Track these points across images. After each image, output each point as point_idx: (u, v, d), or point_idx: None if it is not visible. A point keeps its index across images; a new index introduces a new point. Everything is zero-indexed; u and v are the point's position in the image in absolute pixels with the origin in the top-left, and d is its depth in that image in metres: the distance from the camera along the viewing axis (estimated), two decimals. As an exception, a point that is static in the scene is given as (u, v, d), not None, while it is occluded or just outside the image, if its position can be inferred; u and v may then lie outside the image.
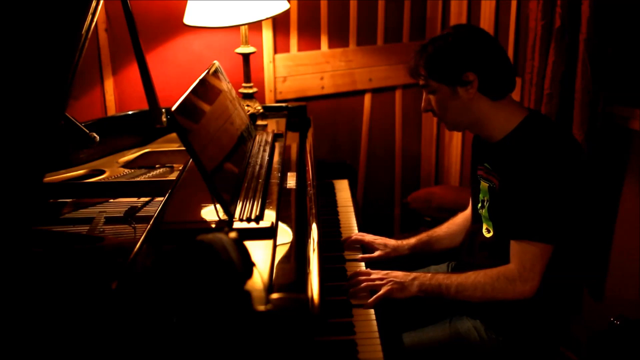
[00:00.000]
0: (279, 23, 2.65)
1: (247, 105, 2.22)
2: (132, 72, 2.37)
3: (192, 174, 1.57)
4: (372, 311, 1.52)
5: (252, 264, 1.15)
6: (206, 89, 1.58)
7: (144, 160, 2.06)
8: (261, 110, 2.26)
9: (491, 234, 1.67)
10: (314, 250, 1.39)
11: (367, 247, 1.86)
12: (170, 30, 2.44)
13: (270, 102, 2.69)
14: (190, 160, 1.63)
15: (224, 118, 1.59)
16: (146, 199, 1.71)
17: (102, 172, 1.92)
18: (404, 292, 1.58)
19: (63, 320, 1.07)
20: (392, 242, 1.88)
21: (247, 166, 1.63)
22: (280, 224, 1.41)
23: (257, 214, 1.37)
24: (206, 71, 1.65)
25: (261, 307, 1.08)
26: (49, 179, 1.83)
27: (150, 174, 1.91)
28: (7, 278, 1.07)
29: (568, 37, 2.11)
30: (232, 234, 1.13)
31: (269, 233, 1.33)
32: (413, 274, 1.61)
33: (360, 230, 1.94)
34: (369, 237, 1.87)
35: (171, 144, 2.13)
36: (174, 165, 2.01)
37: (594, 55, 2.04)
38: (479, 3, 2.73)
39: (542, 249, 1.52)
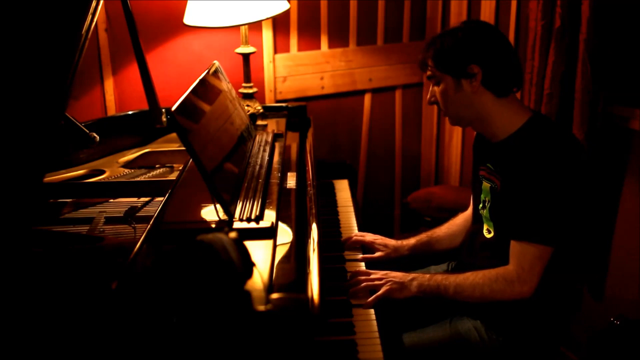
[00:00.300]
0: (279, 23, 2.65)
1: (247, 105, 2.22)
2: (132, 72, 2.37)
3: (192, 174, 1.57)
4: (372, 311, 1.52)
5: (252, 264, 1.15)
6: (206, 89, 1.58)
7: (144, 160, 2.06)
8: (261, 110, 2.26)
9: (492, 234, 1.67)
10: (314, 250, 1.39)
11: (367, 248, 1.86)
12: (170, 30, 2.44)
13: (270, 102, 2.69)
14: (190, 160, 1.63)
15: (224, 118, 1.59)
16: (146, 199, 1.71)
17: (102, 172, 1.92)
18: (403, 293, 1.58)
19: (63, 320, 1.07)
20: (392, 242, 1.89)
21: (247, 166, 1.62)
22: (280, 224, 1.41)
23: (257, 214, 1.37)
24: (206, 71, 1.65)
25: (261, 307, 1.08)
26: (49, 179, 1.82)
27: (150, 174, 1.91)
28: (7, 278, 1.07)
29: (568, 37, 2.11)
30: (232, 234, 1.13)
31: (269, 233, 1.33)
32: (412, 275, 1.62)
33: (360, 230, 1.94)
34: (369, 237, 1.88)
35: (171, 144, 2.13)
36: (174, 165, 2.01)
37: (594, 55, 2.05)
38: (479, 3, 2.73)
39: (542, 250, 1.52)
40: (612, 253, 2.25)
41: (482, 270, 1.58)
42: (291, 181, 1.69)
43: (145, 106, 1.89)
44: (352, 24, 2.82)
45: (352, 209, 2.09)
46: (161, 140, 2.18)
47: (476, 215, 1.74)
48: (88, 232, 1.54)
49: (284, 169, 1.75)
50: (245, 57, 2.27)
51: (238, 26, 2.17)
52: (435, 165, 3.20)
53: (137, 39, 1.75)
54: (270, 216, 1.39)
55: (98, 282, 1.21)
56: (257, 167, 1.64)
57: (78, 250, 1.44)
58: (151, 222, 1.37)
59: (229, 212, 1.35)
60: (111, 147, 2.07)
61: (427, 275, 1.61)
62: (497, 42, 1.59)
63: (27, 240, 1.28)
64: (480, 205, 1.70)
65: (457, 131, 3.01)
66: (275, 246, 1.30)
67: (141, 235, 1.31)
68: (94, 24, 1.34)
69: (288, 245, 1.35)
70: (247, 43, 2.26)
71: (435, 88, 1.64)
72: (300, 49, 2.74)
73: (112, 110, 2.41)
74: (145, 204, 1.69)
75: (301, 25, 2.71)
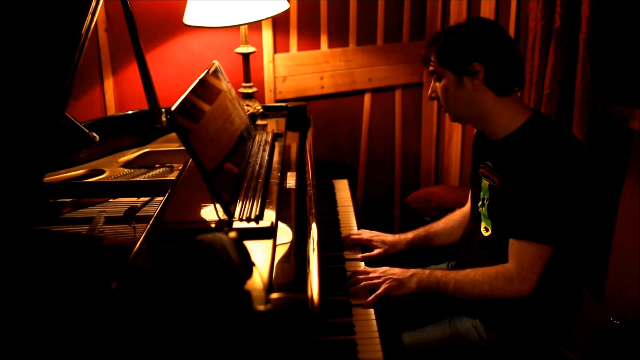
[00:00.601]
0: (279, 23, 2.65)
1: (247, 105, 2.22)
2: (132, 72, 2.37)
3: (192, 174, 1.57)
4: (372, 311, 1.52)
5: (252, 264, 1.15)
6: (206, 89, 1.58)
7: (144, 160, 2.06)
8: (261, 110, 2.26)
9: (489, 232, 1.67)
10: (314, 250, 1.39)
11: (366, 246, 1.86)
12: (170, 30, 2.44)
13: (270, 102, 2.69)
14: (190, 160, 1.63)
15: (224, 118, 1.59)
16: (146, 199, 1.71)
17: (102, 172, 1.92)
18: (403, 289, 1.58)
19: (63, 320, 1.07)
20: (389, 238, 1.88)
21: (247, 166, 1.62)
22: (280, 224, 1.41)
23: (257, 214, 1.37)
24: (206, 71, 1.65)
25: (261, 307, 1.08)
26: (49, 179, 1.82)
27: (150, 174, 1.91)
28: (7, 278, 1.07)
29: (568, 37, 2.11)
30: (232, 234, 1.13)
31: (269, 233, 1.33)
32: (411, 271, 1.61)
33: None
34: (366, 235, 1.88)
35: (171, 144, 2.13)
36: (174, 165, 2.01)
37: (594, 55, 2.04)
38: (479, 3, 2.73)
39: (542, 249, 1.52)
40: (612, 253, 2.25)
41: (483, 268, 1.58)
42: (291, 181, 1.69)
43: (145, 106, 1.89)
44: (352, 24, 2.82)
45: (352, 209, 2.09)
46: (161, 140, 2.18)
47: (475, 213, 1.74)
48: (88, 232, 1.54)
49: (284, 169, 1.75)
50: (245, 57, 2.27)
51: (238, 26, 2.17)
52: (435, 165, 3.20)
53: (137, 39, 1.75)
54: (270, 216, 1.39)
55: (98, 282, 1.21)
56: (257, 167, 1.64)
57: (78, 250, 1.44)
58: (151, 222, 1.37)
59: (229, 212, 1.35)
60: (111, 147, 2.07)
61: (427, 272, 1.61)
62: (501, 41, 1.59)
63: (27, 240, 1.28)
64: (480, 204, 1.70)
65: (457, 131, 3.01)
66: (275, 246, 1.30)
67: (141, 235, 1.31)
68: (94, 24, 1.34)
69: (288, 245, 1.35)
70: (247, 43, 2.26)
71: (437, 84, 1.64)
72: (300, 49, 2.74)
73: (112, 110, 2.41)
74: (145, 204, 1.69)
75: (301, 25, 2.71)
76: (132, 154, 2.08)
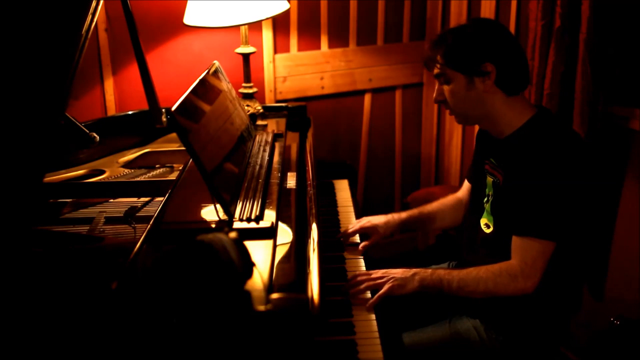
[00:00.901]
0: (279, 23, 2.65)
1: (247, 105, 2.22)
2: (132, 72, 2.37)
3: (192, 174, 1.57)
4: (372, 311, 1.52)
5: (252, 264, 1.15)
6: (206, 89, 1.58)
7: (144, 160, 2.06)
8: (261, 110, 2.26)
9: (491, 229, 1.66)
10: (314, 250, 1.39)
11: (364, 235, 1.86)
12: (170, 30, 2.44)
13: (270, 102, 2.69)
14: (190, 160, 1.63)
15: (224, 118, 1.59)
16: (146, 199, 1.71)
17: (102, 172, 1.92)
18: (405, 289, 1.56)
19: (63, 320, 1.07)
20: (380, 220, 1.87)
21: (247, 166, 1.62)
22: (280, 224, 1.41)
23: (257, 214, 1.37)
24: (206, 71, 1.65)
25: (261, 307, 1.08)
26: (49, 179, 1.83)
27: (150, 174, 1.91)
28: (7, 278, 1.07)
29: (568, 37, 2.11)
30: (232, 234, 1.13)
31: (269, 233, 1.33)
32: (413, 270, 1.60)
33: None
34: (352, 229, 1.87)
35: (171, 144, 2.13)
36: (174, 165, 2.01)
37: (594, 55, 2.04)
38: (479, 3, 2.73)
39: (545, 245, 1.52)
40: (612, 253, 2.25)
41: (486, 265, 1.57)
42: (291, 181, 1.69)
43: (145, 106, 1.89)
44: (352, 24, 2.82)
45: (352, 209, 2.09)
46: (161, 140, 2.18)
47: (476, 206, 1.73)
48: (88, 232, 1.54)
49: (284, 169, 1.75)
50: (245, 57, 2.27)
51: (238, 26, 2.17)
52: (435, 165, 3.20)
53: (137, 39, 1.75)
54: (270, 216, 1.39)
55: (98, 282, 1.21)
56: (257, 167, 1.64)
57: (78, 250, 1.44)
58: (151, 222, 1.37)
59: (229, 212, 1.35)
60: (111, 147, 2.07)
61: (429, 271, 1.60)
62: (509, 40, 1.58)
63: (27, 240, 1.28)
64: (485, 199, 1.70)
65: (457, 131, 3.01)
66: (275, 246, 1.30)
67: (141, 235, 1.31)
68: (94, 24, 1.34)
69: (288, 245, 1.35)
70: (247, 43, 2.26)
71: (445, 87, 1.61)
72: (300, 49, 2.74)
73: (112, 110, 2.41)
74: (145, 204, 1.69)
75: (301, 25, 2.71)
76: (132, 154, 2.08)
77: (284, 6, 2.23)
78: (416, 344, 1.63)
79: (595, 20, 2.01)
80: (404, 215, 1.91)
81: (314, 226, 1.50)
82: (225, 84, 1.75)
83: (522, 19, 2.50)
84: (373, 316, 1.50)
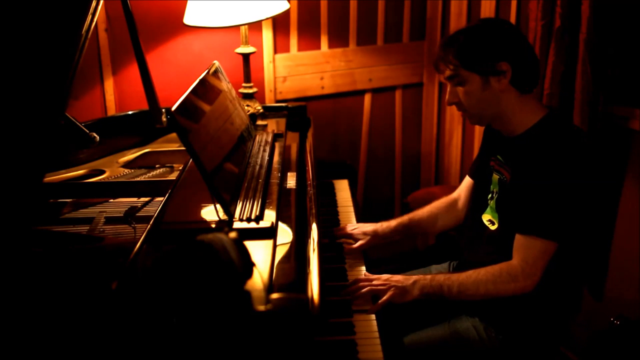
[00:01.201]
0: (279, 23, 2.65)
1: (247, 105, 2.22)
2: (132, 72, 2.37)
3: (192, 174, 1.57)
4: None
5: (252, 264, 1.15)
6: (206, 89, 1.58)
7: (144, 160, 2.06)
8: (261, 110, 2.26)
9: (495, 226, 1.66)
10: (314, 250, 1.39)
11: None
12: (170, 30, 2.44)
13: (270, 102, 2.69)
14: (190, 160, 1.63)
15: (224, 118, 1.59)
16: (146, 199, 1.71)
17: (102, 172, 1.92)
18: (406, 297, 1.56)
19: (63, 320, 1.07)
20: (369, 227, 1.87)
21: (247, 166, 1.62)
22: (280, 224, 1.41)
23: (257, 214, 1.37)
24: (206, 71, 1.65)
25: (261, 307, 1.08)
26: (49, 179, 1.82)
27: (150, 174, 1.91)
28: (7, 278, 1.07)
29: (568, 37, 2.11)
30: (232, 234, 1.13)
31: (269, 233, 1.33)
32: (413, 277, 1.59)
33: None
34: (348, 229, 1.88)
35: (171, 144, 2.13)
36: (174, 165, 2.01)
37: (594, 55, 2.04)
38: (479, 3, 2.73)
39: (547, 245, 1.52)
40: (612, 253, 2.25)
41: (485, 267, 1.57)
42: (291, 181, 1.69)
43: (145, 106, 1.88)
44: (352, 24, 2.82)
45: (352, 209, 2.09)
46: (161, 140, 2.18)
47: (479, 203, 1.73)
48: (88, 232, 1.54)
49: (284, 169, 1.75)
50: (245, 57, 2.27)
51: (238, 26, 2.17)
52: (435, 165, 3.20)
53: (137, 39, 1.75)
54: (270, 216, 1.39)
55: (98, 282, 1.21)
56: (257, 167, 1.64)
57: (78, 250, 1.44)
58: (151, 222, 1.37)
59: (229, 212, 1.35)
60: (111, 147, 2.07)
61: (429, 277, 1.59)
62: (521, 38, 1.58)
63: (27, 240, 1.28)
64: (489, 196, 1.69)
65: (457, 131, 3.01)
66: (275, 246, 1.30)
67: (141, 235, 1.31)
68: (94, 24, 1.34)
69: (288, 245, 1.35)
70: (247, 43, 2.26)
71: (459, 88, 1.60)
72: (300, 49, 2.74)
73: (112, 110, 2.41)
74: (145, 204, 1.69)
75: (301, 25, 2.71)
76: (132, 154, 2.08)
77: (284, 6, 2.23)
78: (416, 344, 1.63)
79: (595, 20, 2.01)
80: (393, 223, 1.90)
81: (314, 226, 1.50)
82: (225, 84, 1.75)
83: (522, 19, 2.50)
84: (373, 316, 1.50)
